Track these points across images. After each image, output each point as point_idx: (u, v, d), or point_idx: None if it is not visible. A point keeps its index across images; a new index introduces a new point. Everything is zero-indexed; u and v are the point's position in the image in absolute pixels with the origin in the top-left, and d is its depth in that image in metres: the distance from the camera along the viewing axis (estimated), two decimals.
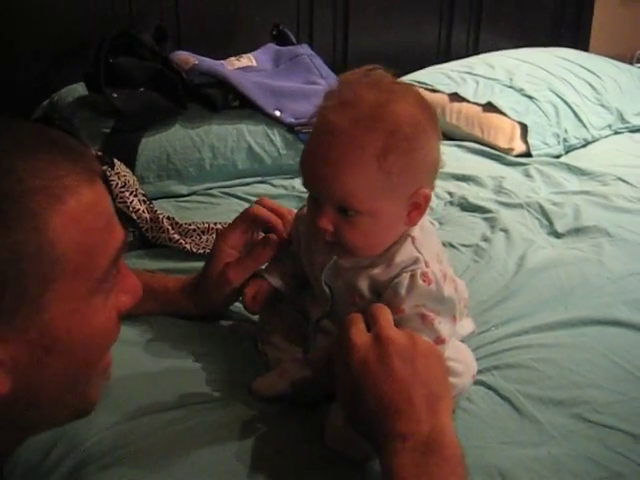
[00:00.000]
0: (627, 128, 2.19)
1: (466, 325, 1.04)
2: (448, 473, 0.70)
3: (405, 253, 0.88)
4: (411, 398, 0.73)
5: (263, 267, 1.06)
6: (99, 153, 1.45)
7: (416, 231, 0.89)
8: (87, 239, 0.58)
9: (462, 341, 1.02)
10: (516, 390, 1.01)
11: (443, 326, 0.86)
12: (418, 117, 0.82)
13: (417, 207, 0.86)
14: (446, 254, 0.98)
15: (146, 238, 1.38)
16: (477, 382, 1.01)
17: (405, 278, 0.86)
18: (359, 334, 0.77)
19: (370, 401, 0.73)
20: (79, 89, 1.84)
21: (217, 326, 1.12)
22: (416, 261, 0.87)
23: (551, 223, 1.55)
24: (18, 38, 1.92)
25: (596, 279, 1.30)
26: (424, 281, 0.85)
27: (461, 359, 0.95)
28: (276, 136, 1.77)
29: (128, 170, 1.47)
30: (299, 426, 0.92)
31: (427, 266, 0.86)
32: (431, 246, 0.90)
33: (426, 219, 0.93)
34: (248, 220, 1.07)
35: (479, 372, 1.02)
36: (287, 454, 0.87)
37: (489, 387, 1.01)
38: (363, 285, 0.89)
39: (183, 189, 1.68)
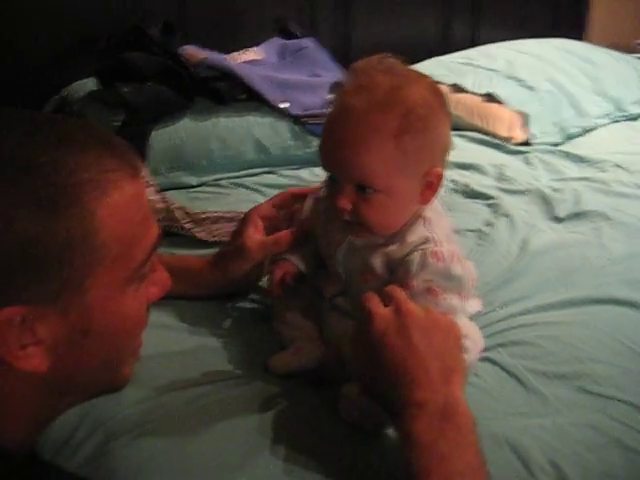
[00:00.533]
0: (625, 116, 2.23)
1: (474, 304, 1.07)
2: (463, 438, 0.75)
3: (417, 232, 0.93)
4: (428, 369, 0.77)
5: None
6: None
7: (428, 212, 0.95)
8: (127, 230, 0.62)
9: (470, 319, 1.06)
10: (521, 365, 1.06)
11: (449, 302, 0.91)
12: (430, 100, 0.88)
13: (430, 186, 0.91)
14: (456, 236, 1.03)
15: (159, 228, 1.43)
16: (484, 359, 1.06)
17: (416, 256, 0.91)
18: (379, 307, 0.81)
19: (389, 370, 0.78)
20: (89, 84, 1.88)
21: (236, 308, 1.17)
22: (427, 240, 0.92)
23: (552, 208, 1.59)
24: (28, 34, 1.96)
25: (597, 260, 1.35)
26: (434, 258, 0.90)
27: (469, 336, 0.99)
28: (283, 128, 1.81)
29: None
30: (315, 400, 0.97)
31: (437, 245, 0.91)
32: (442, 227, 0.95)
33: (437, 202, 0.98)
34: (284, 196, 1.14)
35: (486, 349, 1.06)
36: (305, 427, 0.92)
37: (495, 363, 1.06)
38: (377, 262, 0.94)
39: (193, 180, 1.72)
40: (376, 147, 0.86)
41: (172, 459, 0.85)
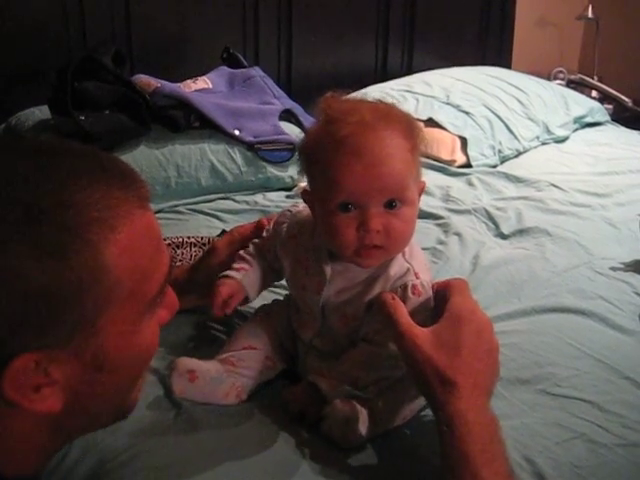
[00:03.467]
0: (552, 139, 2.38)
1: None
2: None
3: (397, 265, 0.95)
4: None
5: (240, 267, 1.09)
6: None
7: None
8: (139, 265, 0.61)
9: None
10: None
11: None
12: (410, 116, 0.96)
13: (419, 196, 0.96)
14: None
15: None
16: None
17: (397, 292, 0.93)
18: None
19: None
20: (37, 113, 1.88)
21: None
22: (407, 272, 0.94)
23: (497, 226, 1.70)
24: None
25: (543, 273, 1.45)
26: (414, 294, 0.93)
27: None
28: (237, 154, 1.86)
29: None
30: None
31: (417, 277, 0.94)
32: (419, 255, 0.98)
33: None
34: (262, 223, 1.14)
35: None
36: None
37: None
38: (360, 308, 0.96)
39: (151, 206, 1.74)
40: (403, 159, 0.89)
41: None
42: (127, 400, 0.71)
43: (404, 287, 0.94)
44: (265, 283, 1.12)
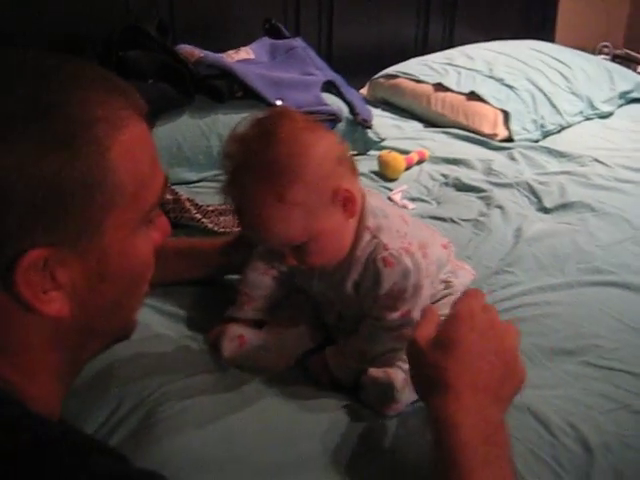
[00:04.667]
0: (596, 114, 2.34)
1: (465, 274, 1.14)
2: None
3: (365, 244, 0.97)
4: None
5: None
6: None
7: (369, 220, 0.97)
8: (139, 170, 0.62)
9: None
10: (528, 342, 1.13)
11: (409, 299, 0.97)
12: (288, 146, 0.88)
13: (348, 201, 0.93)
14: (420, 221, 1.09)
15: (169, 219, 1.47)
16: None
17: (370, 270, 0.96)
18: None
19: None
20: None
21: None
22: (376, 248, 0.96)
23: (540, 200, 1.68)
24: (15, 37, 1.97)
25: (586, 247, 1.44)
26: (385, 265, 0.95)
27: None
28: None
29: None
30: None
31: (386, 249, 0.95)
32: (388, 225, 0.98)
33: (376, 200, 1.01)
34: None
35: None
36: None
37: None
38: (349, 290, 1.00)
39: (192, 176, 1.76)
40: (272, 217, 0.89)
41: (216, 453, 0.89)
42: (126, 318, 0.72)
43: (374, 263, 0.96)
44: (280, 292, 1.14)
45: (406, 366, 0.97)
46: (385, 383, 0.96)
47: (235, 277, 1.22)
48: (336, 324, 1.09)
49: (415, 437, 0.92)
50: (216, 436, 0.90)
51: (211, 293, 1.25)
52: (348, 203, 0.93)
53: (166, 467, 0.85)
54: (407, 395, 0.96)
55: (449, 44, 2.75)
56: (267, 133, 0.89)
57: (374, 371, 0.98)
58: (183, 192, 1.63)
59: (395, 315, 0.97)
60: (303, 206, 0.89)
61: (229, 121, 1.81)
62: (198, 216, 1.47)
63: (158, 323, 1.14)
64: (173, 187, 1.52)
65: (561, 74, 2.34)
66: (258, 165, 0.88)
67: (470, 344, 0.80)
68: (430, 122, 2.24)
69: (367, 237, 0.97)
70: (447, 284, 1.08)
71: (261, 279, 1.12)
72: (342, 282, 1.00)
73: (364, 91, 2.46)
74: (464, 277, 1.13)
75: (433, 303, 1.03)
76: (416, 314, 0.97)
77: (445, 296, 1.07)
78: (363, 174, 1.76)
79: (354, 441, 0.92)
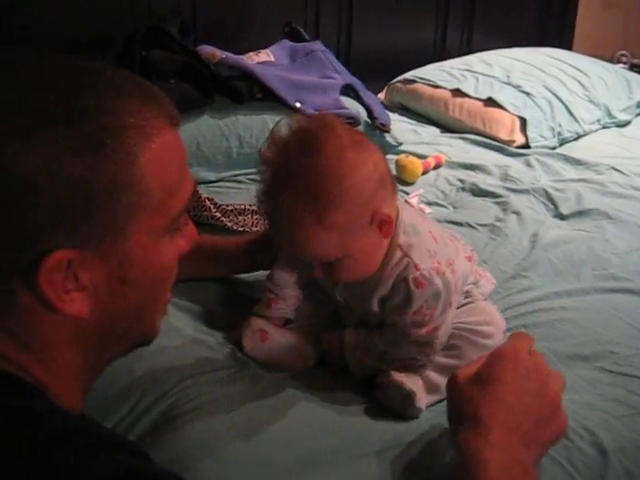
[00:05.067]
0: (614, 123, 2.34)
1: (486, 283, 1.15)
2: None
3: (395, 262, 0.96)
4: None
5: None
6: None
7: (401, 237, 0.96)
8: (168, 178, 0.64)
9: (486, 299, 1.14)
10: (544, 347, 1.13)
11: (437, 317, 0.97)
12: (332, 167, 0.86)
13: (385, 223, 0.92)
14: (444, 233, 1.07)
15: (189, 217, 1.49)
16: None
17: (401, 290, 0.96)
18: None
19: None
20: None
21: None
22: (407, 267, 0.96)
23: (556, 206, 1.69)
24: (43, 34, 1.99)
25: (603, 254, 1.45)
26: (417, 286, 0.95)
27: (490, 320, 1.07)
28: None
29: None
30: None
31: (417, 269, 0.95)
32: (419, 244, 0.97)
33: (408, 216, 0.99)
34: None
35: (509, 329, 1.15)
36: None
37: None
38: (374, 306, 1.00)
39: (211, 176, 1.78)
40: (309, 237, 0.89)
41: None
42: (148, 323, 0.72)
43: (406, 282, 0.95)
44: (304, 290, 1.15)
45: (425, 373, 1.00)
46: (407, 389, 0.97)
47: (256, 274, 1.24)
48: (356, 326, 1.09)
49: (433, 434, 0.94)
50: (236, 430, 0.92)
51: (232, 289, 1.27)
52: (385, 225, 0.92)
53: (185, 458, 0.87)
54: (426, 401, 0.99)
55: (467, 51, 2.76)
56: (311, 147, 0.86)
57: (397, 375, 0.99)
58: (202, 192, 1.65)
59: (422, 332, 0.97)
60: (341, 229, 0.88)
61: (249, 122, 1.83)
62: (217, 214, 1.49)
63: (178, 318, 1.15)
64: None
65: (579, 82, 2.34)
66: (299, 184, 0.86)
67: (509, 383, 0.79)
68: (447, 128, 2.25)
69: (398, 255, 0.96)
70: (467, 293, 1.08)
71: (287, 278, 1.13)
72: (368, 297, 1.00)
73: (381, 96, 2.47)
74: (484, 286, 1.14)
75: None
76: (442, 331, 0.98)
77: (465, 304, 1.07)
78: None
79: (375, 436, 0.93)
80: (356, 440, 0.91)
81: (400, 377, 0.99)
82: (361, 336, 1.05)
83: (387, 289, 0.98)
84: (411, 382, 0.99)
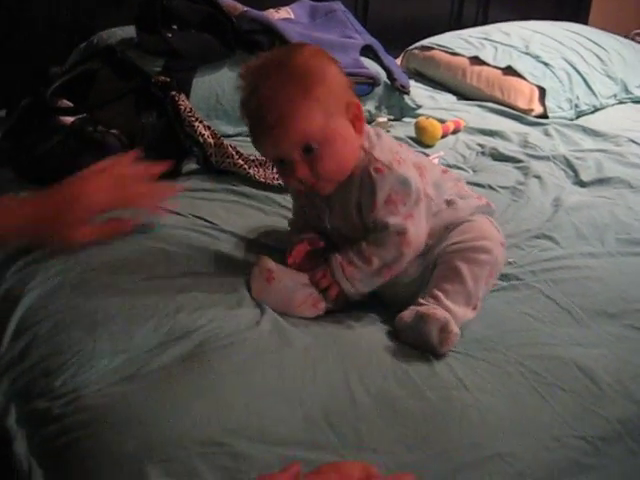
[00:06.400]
0: (630, 99, 2.32)
1: (475, 201, 1.16)
2: None
3: (360, 162, 1.04)
4: None
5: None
6: (167, 79, 1.52)
7: (365, 142, 1.06)
8: None
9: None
10: (572, 302, 1.14)
11: (407, 208, 1.03)
12: (310, 57, 1.02)
13: (357, 119, 1.04)
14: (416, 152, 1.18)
15: (210, 163, 1.47)
16: (536, 290, 1.16)
17: (366, 182, 1.03)
18: None
19: None
20: (119, 32, 1.89)
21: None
22: (369, 162, 1.04)
23: (576, 174, 1.67)
24: None
25: (626, 219, 1.44)
26: (377, 172, 1.02)
27: (485, 235, 1.10)
28: None
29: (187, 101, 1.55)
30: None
31: (377, 160, 1.03)
32: (381, 144, 1.06)
33: (372, 131, 1.09)
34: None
35: (537, 282, 1.18)
36: None
37: (548, 297, 1.15)
38: (354, 214, 1.07)
39: (230, 129, 1.75)
40: (296, 111, 0.98)
41: None
42: None
43: (367, 173, 1.03)
44: None
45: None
46: (442, 317, 0.97)
47: None
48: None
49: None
50: (267, 368, 0.91)
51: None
52: (357, 120, 1.04)
53: (215, 388, 0.86)
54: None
55: (482, 23, 2.72)
56: (287, 52, 1.04)
57: (426, 308, 0.99)
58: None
59: (399, 219, 1.02)
60: (324, 104, 0.99)
61: None
62: (240, 162, 1.47)
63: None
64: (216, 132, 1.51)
65: (597, 56, 2.32)
66: (284, 71, 0.99)
67: None
68: (464, 95, 2.22)
69: (362, 155, 1.04)
70: (449, 203, 1.11)
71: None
72: (347, 207, 1.06)
73: (397, 62, 2.44)
74: (471, 200, 1.15)
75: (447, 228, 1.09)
76: (417, 222, 1.04)
77: (457, 225, 1.10)
78: (399, 138, 1.75)
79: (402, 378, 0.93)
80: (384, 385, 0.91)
81: (427, 309, 0.99)
82: (348, 252, 1.06)
83: (357, 189, 1.04)
84: (439, 311, 0.99)
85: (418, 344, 0.99)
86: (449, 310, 1.00)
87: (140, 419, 0.82)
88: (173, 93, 1.48)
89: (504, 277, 1.19)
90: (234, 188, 1.45)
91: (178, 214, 1.29)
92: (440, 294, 1.03)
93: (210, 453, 0.78)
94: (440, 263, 1.06)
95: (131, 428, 0.81)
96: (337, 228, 1.11)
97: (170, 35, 1.69)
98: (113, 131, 1.41)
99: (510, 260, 1.22)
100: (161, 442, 0.79)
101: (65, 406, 0.87)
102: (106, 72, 1.52)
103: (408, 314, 1.01)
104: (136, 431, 0.80)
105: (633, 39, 2.94)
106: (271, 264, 1.08)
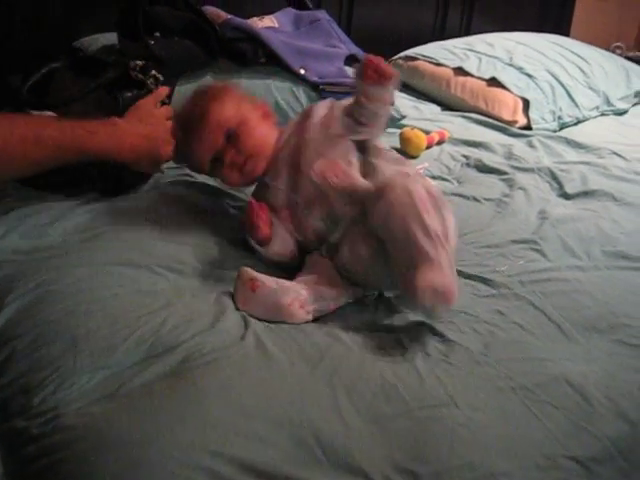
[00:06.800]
0: (612, 111, 2.33)
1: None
2: None
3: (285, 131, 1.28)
4: None
5: None
6: (143, 62, 1.51)
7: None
8: None
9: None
10: (561, 316, 1.13)
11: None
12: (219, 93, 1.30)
13: (267, 115, 1.30)
14: None
15: None
16: (526, 301, 1.16)
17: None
18: None
19: None
20: (101, 39, 1.86)
21: None
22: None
23: (561, 186, 1.67)
24: None
25: (612, 233, 1.43)
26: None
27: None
28: (301, 94, 1.83)
29: None
30: None
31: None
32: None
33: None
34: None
35: (527, 293, 1.18)
36: None
37: (537, 308, 1.15)
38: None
39: None
40: (212, 110, 1.22)
41: None
42: None
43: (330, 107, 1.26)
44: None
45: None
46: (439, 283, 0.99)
47: None
48: (330, 231, 1.15)
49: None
50: (253, 386, 0.89)
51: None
52: (267, 116, 1.29)
53: (200, 408, 0.83)
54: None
55: (466, 34, 2.73)
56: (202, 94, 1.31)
57: (420, 280, 0.99)
58: None
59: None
60: (234, 100, 1.26)
61: (252, 86, 1.78)
62: None
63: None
64: None
65: (580, 68, 2.33)
66: (205, 98, 1.27)
67: None
68: (448, 106, 2.22)
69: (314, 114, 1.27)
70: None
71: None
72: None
73: None
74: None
75: None
76: None
77: None
78: None
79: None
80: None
81: (424, 281, 0.98)
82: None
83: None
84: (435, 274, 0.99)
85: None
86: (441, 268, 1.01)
87: (122, 440, 0.79)
88: (153, 72, 1.47)
89: (492, 284, 1.20)
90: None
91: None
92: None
93: (193, 478, 0.76)
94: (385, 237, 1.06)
95: (113, 450, 0.78)
96: (300, 189, 1.20)
97: (152, 42, 1.66)
98: None
99: (499, 269, 1.22)
100: (144, 465, 0.76)
101: (44, 425, 0.84)
102: (65, 71, 1.52)
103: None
104: (118, 453, 0.78)
105: (613, 51, 2.97)
106: (253, 273, 1.07)
